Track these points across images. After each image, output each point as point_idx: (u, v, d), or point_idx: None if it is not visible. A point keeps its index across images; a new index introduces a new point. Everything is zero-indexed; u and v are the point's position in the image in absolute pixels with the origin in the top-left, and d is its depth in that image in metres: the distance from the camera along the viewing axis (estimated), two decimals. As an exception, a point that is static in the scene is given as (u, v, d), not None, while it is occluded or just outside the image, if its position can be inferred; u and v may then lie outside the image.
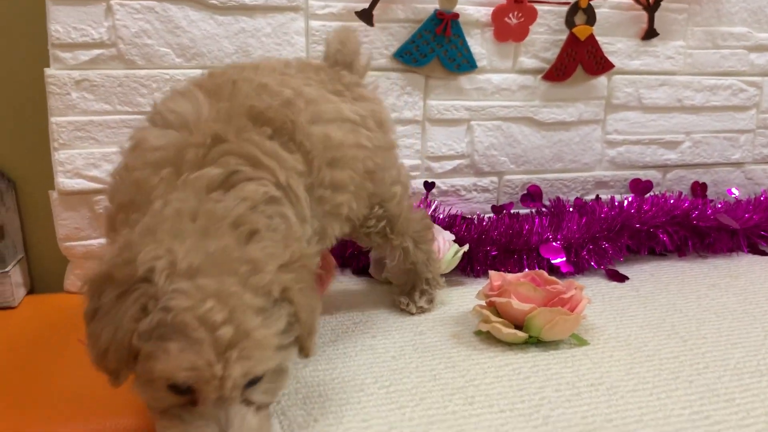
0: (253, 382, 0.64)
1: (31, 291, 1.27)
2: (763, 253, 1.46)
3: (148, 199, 0.68)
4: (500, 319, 1.00)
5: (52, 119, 1.15)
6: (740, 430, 0.79)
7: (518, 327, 0.99)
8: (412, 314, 1.11)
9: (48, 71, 1.14)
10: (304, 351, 0.69)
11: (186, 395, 0.63)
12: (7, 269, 1.17)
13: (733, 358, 0.97)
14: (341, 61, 1.03)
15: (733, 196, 1.61)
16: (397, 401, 0.83)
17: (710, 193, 1.62)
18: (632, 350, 0.99)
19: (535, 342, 1.00)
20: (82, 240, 1.21)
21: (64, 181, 1.17)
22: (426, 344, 1.00)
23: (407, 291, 1.14)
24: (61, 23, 1.12)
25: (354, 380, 0.88)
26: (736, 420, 0.81)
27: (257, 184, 0.72)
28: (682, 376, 0.92)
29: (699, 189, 1.61)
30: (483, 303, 1.05)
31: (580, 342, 1.01)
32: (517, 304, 0.98)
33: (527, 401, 0.84)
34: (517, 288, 1.01)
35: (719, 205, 1.48)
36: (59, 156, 1.16)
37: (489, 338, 1.02)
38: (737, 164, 1.66)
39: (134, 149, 0.78)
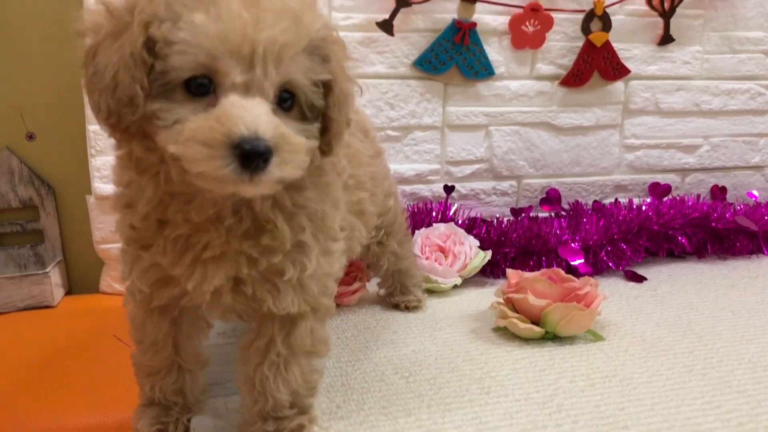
0: (284, 95, 0.57)
1: (69, 292, 1.33)
2: (782, 255, 1.47)
3: None
4: (517, 315, 1.03)
5: (90, 127, 1.22)
6: (751, 419, 0.80)
7: (535, 323, 1.02)
8: (416, 308, 1.16)
9: (86, 82, 1.20)
10: (332, 124, 0.62)
11: (205, 96, 0.55)
12: (47, 270, 1.23)
13: (748, 353, 0.99)
14: None
15: (753, 199, 1.62)
16: (416, 390, 0.87)
17: (730, 196, 1.63)
18: (647, 345, 1.01)
19: (552, 337, 1.03)
20: (118, 243, 1.26)
21: (101, 186, 1.23)
22: (445, 339, 1.03)
23: (400, 291, 1.17)
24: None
25: (375, 371, 0.92)
26: (747, 409, 0.83)
27: None
28: (695, 369, 0.94)
29: (718, 192, 1.63)
30: (501, 300, 1.09)
31: (596, 337, 1.03)
32: (533, 300, 1.01)
33: (542, 391, 0.87)
34: (534, 284, 1.04)
35: (738, 207, 1.49)
36: (96, 162, 1.23)
37: (506, 334, 1.05)
38: (757, 167, 1.67)
39: None
